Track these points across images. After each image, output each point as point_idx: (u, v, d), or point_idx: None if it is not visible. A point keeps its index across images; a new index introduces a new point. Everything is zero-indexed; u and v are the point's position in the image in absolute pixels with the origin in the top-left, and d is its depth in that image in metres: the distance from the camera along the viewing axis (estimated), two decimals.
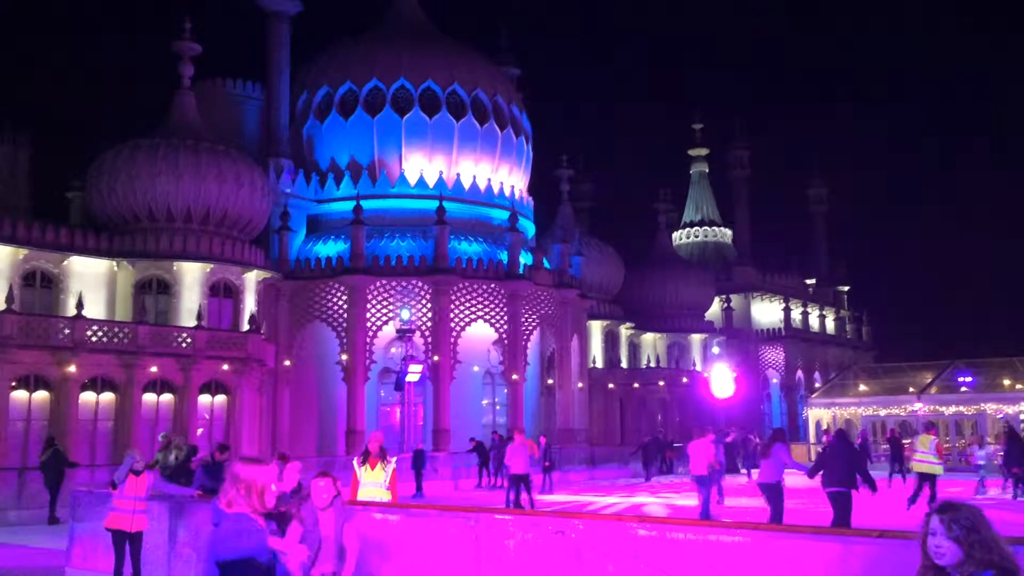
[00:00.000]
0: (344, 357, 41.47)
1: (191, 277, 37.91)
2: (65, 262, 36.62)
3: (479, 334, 43.55)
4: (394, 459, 10.41)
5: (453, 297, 42.75)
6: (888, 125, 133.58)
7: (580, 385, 49.05)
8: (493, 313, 43.68)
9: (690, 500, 24.40)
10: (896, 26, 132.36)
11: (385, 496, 10.00)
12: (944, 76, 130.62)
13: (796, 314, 69.38)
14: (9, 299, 31.41)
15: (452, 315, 42.66)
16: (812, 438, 44.84)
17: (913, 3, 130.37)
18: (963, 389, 40.62)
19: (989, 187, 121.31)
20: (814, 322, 72.18)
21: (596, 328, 56.36)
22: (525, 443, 21.23)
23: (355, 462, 10.14)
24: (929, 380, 42.52)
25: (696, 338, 62.42)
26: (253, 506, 4.51)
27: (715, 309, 65.78)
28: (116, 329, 33.57)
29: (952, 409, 40.54)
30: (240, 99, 46.86)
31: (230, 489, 4.57)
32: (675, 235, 74.33)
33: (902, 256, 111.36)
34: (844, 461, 14.40)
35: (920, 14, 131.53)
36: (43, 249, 35.95)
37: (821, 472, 14.64)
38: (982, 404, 39.71)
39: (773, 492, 15.30)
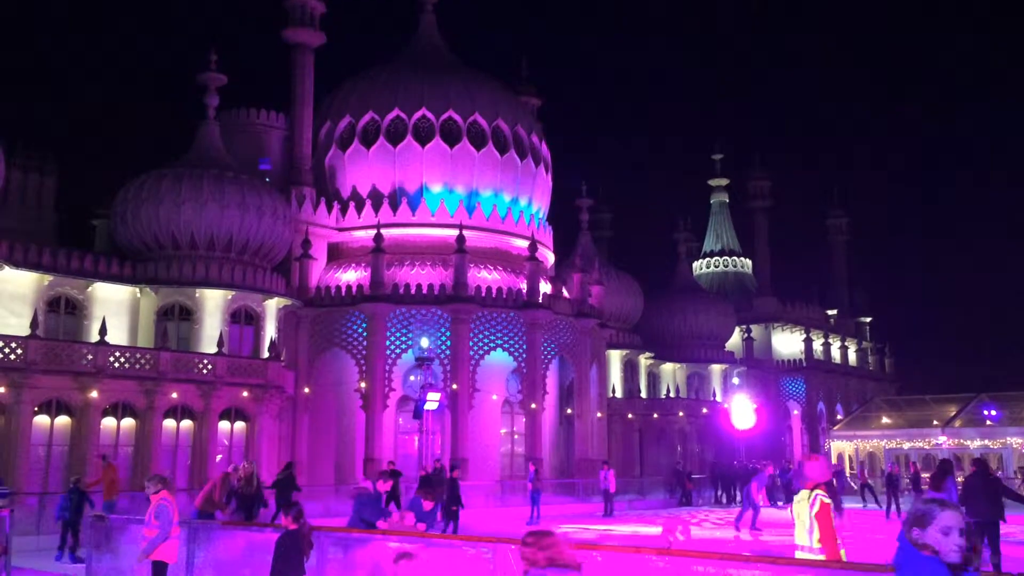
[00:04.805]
0: (363, 384, 41.52)
1: (213, 304, 38.20)
2: (89, 288, 37.01)
3: (498, 363, 43.49)
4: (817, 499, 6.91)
5: (472, 325, 42.77)
6: (907, 157, 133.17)
7: (599, 415, 48.78)
8: (512, 342, 43.63)
9: (715, 532, 24.19)
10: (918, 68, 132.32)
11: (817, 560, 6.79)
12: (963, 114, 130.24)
13: (817, 345, 68.83)
14: (33, 325, 31.75)
15: (471, 343, 42.65)
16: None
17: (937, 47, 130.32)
18: (988, 423, 40.11)
19: (1013, 217, 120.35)
20: (836, 353, 71.58)
21: (615, 358, 56.17)
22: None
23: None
24: (953, 413, 42.04)
25: (716, 368, 62.06)
26: None
27: (735, 339, 65.39)
28: (138, 355, 33.83)
29: (977, 442, 39.99)
30: (264, 128, 47.44)
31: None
32: (695, 265, 74.14)
33: (925, 287, 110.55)
34: (986, 491, 14.68)
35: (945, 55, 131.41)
36: (68, 275, 36.35)
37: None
38: (1007, 438, 39.18)
39: None
